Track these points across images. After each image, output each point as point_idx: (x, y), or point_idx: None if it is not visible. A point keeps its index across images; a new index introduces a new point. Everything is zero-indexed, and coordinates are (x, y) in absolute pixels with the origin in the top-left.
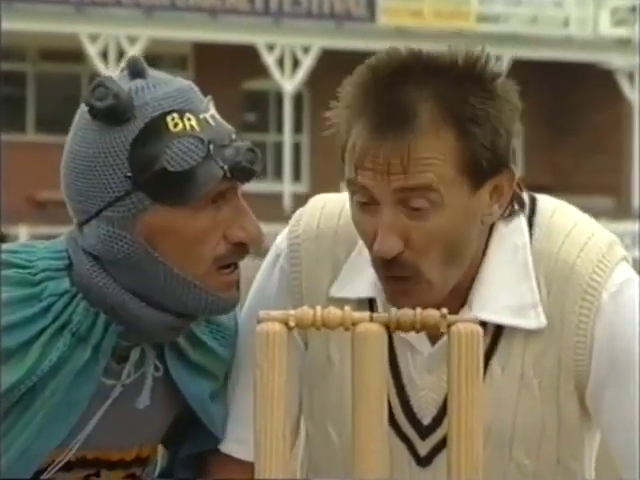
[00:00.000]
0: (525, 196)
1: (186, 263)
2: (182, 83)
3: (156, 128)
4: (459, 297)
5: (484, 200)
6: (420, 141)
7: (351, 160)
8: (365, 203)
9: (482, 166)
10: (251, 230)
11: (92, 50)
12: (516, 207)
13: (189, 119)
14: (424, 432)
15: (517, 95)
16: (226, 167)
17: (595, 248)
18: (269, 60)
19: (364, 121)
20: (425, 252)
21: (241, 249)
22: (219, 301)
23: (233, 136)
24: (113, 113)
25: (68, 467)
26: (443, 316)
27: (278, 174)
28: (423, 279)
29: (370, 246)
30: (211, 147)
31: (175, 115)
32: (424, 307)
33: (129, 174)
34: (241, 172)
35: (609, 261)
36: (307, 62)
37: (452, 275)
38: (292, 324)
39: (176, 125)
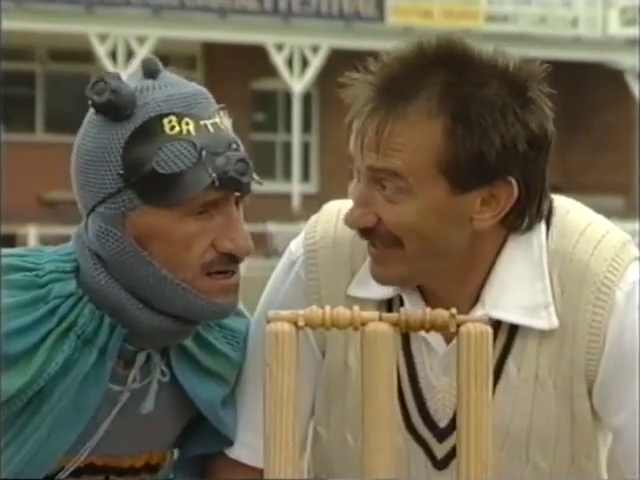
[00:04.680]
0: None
1: (174, 266)
2: (192, 88)
3: (151, 129)
4: (472, 296)
5: (471, 205)
6: (404, 125)
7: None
8: (357, 173)
9: (464, 172)
10: (239, 243)
11: (101, 50)
12: (536, 218)
13: (187, 123)
14: (441, 435)
15: (539, 119)
16: (214, 175)
17: (609, 247)
18: (278, 60)
19: (371, 89)
20: (399, 234)
21: (230, 259)
22: (210, 306)
23: (234, 145)
24: (111, 108)
25: (77, 473)
26: (452, 316)
27: (287, 174)
28: (401, 253)
29: None
30: (203, 153)
31: (173, 118)
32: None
33: (121, 172)
34: (229, 182)
35: (622, 260)
36: (316, 62)
37: (428, 267)
38: (301, 324)
39: (172, 128)
